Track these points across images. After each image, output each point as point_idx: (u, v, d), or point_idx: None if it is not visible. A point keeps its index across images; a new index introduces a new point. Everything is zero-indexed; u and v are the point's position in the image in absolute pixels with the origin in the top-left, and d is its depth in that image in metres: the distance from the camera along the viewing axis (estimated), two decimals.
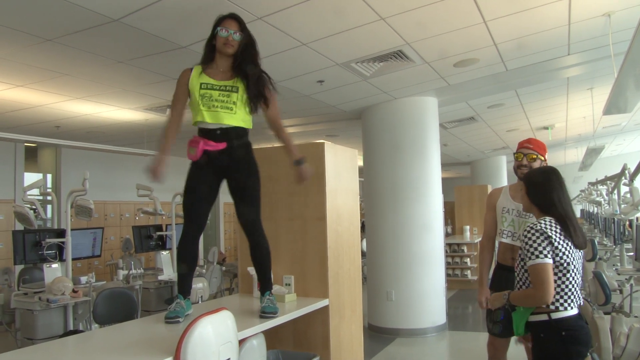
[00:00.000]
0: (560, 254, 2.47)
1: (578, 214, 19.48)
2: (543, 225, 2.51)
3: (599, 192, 10.59)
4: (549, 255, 2.45)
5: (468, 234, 11.04)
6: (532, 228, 2.52)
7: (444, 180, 7.64)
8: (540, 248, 2.46)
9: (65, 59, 4.84)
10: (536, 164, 3.25)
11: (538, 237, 2.48)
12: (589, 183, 12.64)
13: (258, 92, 2.87)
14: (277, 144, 3.24)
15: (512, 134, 10.95)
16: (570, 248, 2.50)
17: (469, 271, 10.61)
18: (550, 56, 5.52)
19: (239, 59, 2.85)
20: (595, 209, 12.20)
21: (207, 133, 2.77)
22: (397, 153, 6.96)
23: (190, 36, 4.24)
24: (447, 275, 9.49)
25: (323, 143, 3.43)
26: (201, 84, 2.76)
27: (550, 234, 2.47)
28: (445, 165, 13.02)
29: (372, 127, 7.28)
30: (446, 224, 12.26)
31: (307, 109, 7.26)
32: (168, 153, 2.75)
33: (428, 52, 5.07)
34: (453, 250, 10.70)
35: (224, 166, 2.79)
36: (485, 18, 4.28)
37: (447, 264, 10.04)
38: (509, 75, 6.11)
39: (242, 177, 2.85)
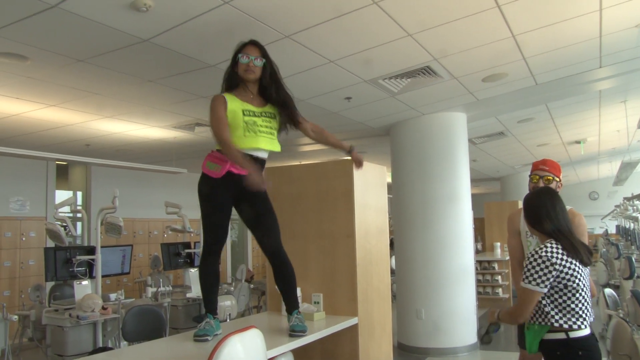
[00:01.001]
0: (568, 277, 2.50)
1: (613, 230, 19.06)
2: (545, 251, 2.53)
3: (635, 207, 10.34)
4: (543, 285, 2.50)
5: (499, 251, 10.87)
6: (536, 253, 2.55)
7: (473, 196, 7.56)
8: (536, 275, 2.51)
9: (96, 79, 4.96)
10: (552, 186, 3.28)
11: (539, 264, 2.51)
12: (625, 198, 12.36)
13: (288, 116, 2.93)
14: (304, 162, 3.27)
15: (543, 148, 10.81)
16: (578, 267, 2.52)
17: (500, 289, 10.42)
18: (581, 69, 5.45)
19: (265, 86, 2.90)
20: (632, 224, 11.91)
21: (255, 159, 2.79)
22: (425, 169, 6.93)
23: (219, 55, 4.31)
24: (478, 293, 9.35)
25: (352, 160, 3.45)
26: (243, 110, 2.79)
27: (554, 261, 2.50)
28: (474, 181, 12.91)
29: (401, 143, 7.27)
30: (476, 240, 12.11)
31: (335, 126, 7.29)
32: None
33: (456, 67, 5.06)
34: (483, 268, 10.54)
35: (242, 190, 2.76)
36: (513, 32, 4.26)
37: (478, 281, 9.90)
38: (539, 90, 6.05)
39: (262, 202, 2.87)
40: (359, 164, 3.25)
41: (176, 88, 5.27)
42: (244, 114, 2.79)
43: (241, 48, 2.89)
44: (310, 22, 3.82)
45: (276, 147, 2.89)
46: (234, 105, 2.80)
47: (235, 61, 2.89)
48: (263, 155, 2.85)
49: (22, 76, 4.82)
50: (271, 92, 2.92)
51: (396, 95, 5.88)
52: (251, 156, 2.77)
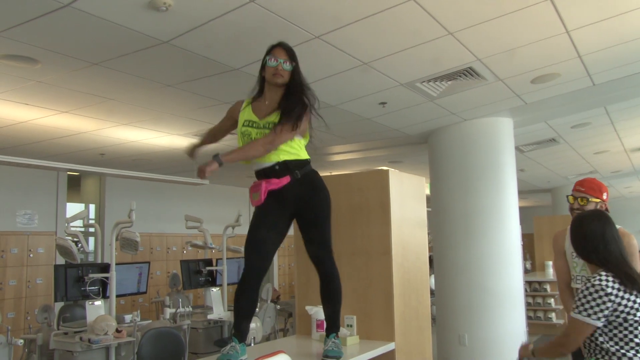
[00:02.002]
0: (627, 309, 2.44)
1: None
2: (599, 280, 2.48)
3: None
4: (596, 317, 2.44)
5: (550, 270, 10.68)
6: (589, 281, 2.51)
7: (521, 209, 7.47)
8: (588, 306, 2.46)
9: (112, 84, 5.06)
10: (590, 207, 3.32)
11: (592, 293, 2.46)
12: None
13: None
14: (335, 172, 3.30)
15: (601, 156, 10.61)
16: (638, 298, 2.47)
17: (553, 314, 10.22)
18: None
19: (292, 92, 2.94)
20: None
21: (265, 172, 2.84)
22: (468, 180, 6.88)
23: (243, 58, 4.36)
24: (528, 317, 9.20)
25: (387, 170, 3.44)
26: (244, 121, 2.88)
27: (609, 291, 2.44)
28: (522, 192, 12.73)
29: (440, 152, 7.23)
30: (525, 259, 11.93)
31: (369, 133, 7.29)
32: (202, 145, 3.03)
33: (502, 68, 5.03)
34: (534, 290, 10.36)
35: (294, 200, 2.83)
36: (567, 28, 4.21)
37: (528, 304, 9.74)
38: (597, 91, 5.95)
39: (315, 206, 2.89)
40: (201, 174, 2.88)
41: (197, 93, 5.36)
42: (243, 124, 2.89)
43: (269, 50, 2.94)
44: (342, 21, 3.85)
45: (274, 158, 2.84)
46: (243, 113, 2.91)
47: (263, 65, 2.95)
48: (268, 163, 2.84)
49: (32, 80, 4.93)
50: (293, 100, 2.95)
51: (435, 99, 5.87)
52: (273, 166, 2.82)
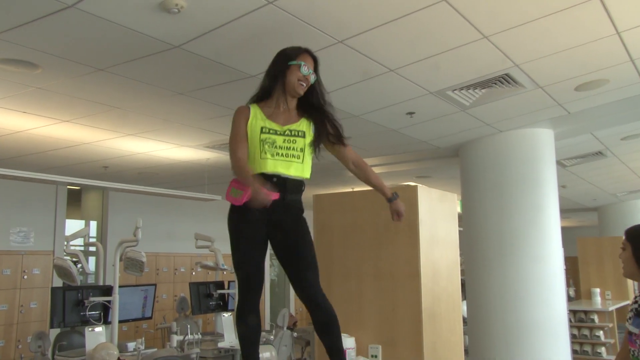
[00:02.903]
0: None
1: None
2: None
3: None
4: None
5: (598, 299, 10.51)
6: None
7: (563, 230, 7.41)
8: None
9: (118, 91, 5.13)
10: None
11: None
12: None
13: (335, 130, 2.98)
14: (357, 188, 3.33)
15: None
16: None
17: (602, 348, 10.04)
18: None
19: (306, 99, 2.99)
20: None
21: (261, 177, 2.85)
22: (504, 197, 6.85)
23: (260, 64, 4.33)
24: (574, 352, 9.08)
25: (416, 186, 3.46)
26: (262, 127, 2.89)
27: None
28: (565, 211, 12.61)
29: (473, 166, 7.22)
30: (568, 285, 11.79)
31: (395, 145, 7.30)
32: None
33: (542, 74, 5.02)
34: (579, 320, 10.20)
35: (273, 221, 2.86)
36: (618, 29, 4.16)
37: (572, 337, 9.60)
38: None
39: (299, 232, 2.93)
40: (399, 216, 3.16)
41: (210, 102, 5.43)
42: (261, 131, 2.89)
43: (298, 54, 3.00)
44: (367, 24, 3.87)
45: (301, 172, 2.93)
46: (256, 119, 2.92)
47: (287, 65, 2.98)
48: (283, 179, 2.90)
49: (31, 87, 4.98)
50: (309, 103, 3.00)
51: (468, 109, 5.87)
52: (270, 177, 2.85)
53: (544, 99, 5.70)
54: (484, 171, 7.06)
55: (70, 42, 4.06)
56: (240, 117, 2.95)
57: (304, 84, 2.96)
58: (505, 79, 5.07)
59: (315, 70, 3.02)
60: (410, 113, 5.94)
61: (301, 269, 2.91)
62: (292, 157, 2.90)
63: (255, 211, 2.78)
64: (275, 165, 2.87)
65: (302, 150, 2.95)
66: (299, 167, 2.92)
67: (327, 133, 3.01)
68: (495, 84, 5.18)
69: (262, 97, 3.05)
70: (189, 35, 3.93)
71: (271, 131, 2.91)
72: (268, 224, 2.89)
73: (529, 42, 4.33)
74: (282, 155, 2.88)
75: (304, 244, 2.94)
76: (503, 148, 6.96)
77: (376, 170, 8.91)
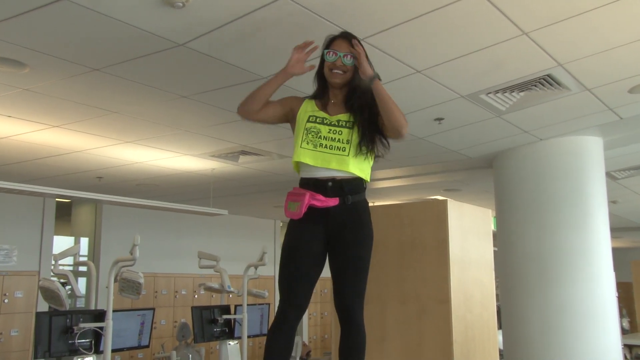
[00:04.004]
0: None
1: None
2: None
3: None
4: None
5: None
6: None
7: (614, 251, 7.34)
8: None
9: (115, 93, 5.16)
10: None
11: None
12: None
13: (371, 132, 3.01)
14: (379, 202, 3.37)
15: None
16: None
17: None
18: None
19: (355, 90, 3.02)
20: None
21: (314, 184, 2.90)
22: (544, 214, 6.81)
23: (273, 64, 4.36)
24: None
25: (445, 201, 3.47)
26: (309, 116, 2.97)
27: None
28: (615, 230, 12.50)
29: (509, 178, 7.19)
30: (621, 315, 11.67)
31: (421, 155, 7.28)
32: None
33: (589, 75, 4.99)
34: (636, 357, 10.09)
35: (334, 230, 2.91)
36: None
37: None
38: None
39: (356, 246, 2.95)
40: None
41: (217, 106, 5.45)
42: (308, 120, 2.97)
43: (330, 42, 3.06)
44: (392, 20, 3.87)
45: (350, 167, 2.94)
46: (305, 111, 3.01)
47: (321, 61, 3.05)
48: (328, 174, 2.93)
49: (18, 88, 5.00)
50: (355, 96, 3.04)
51: (504, 114, 5.87)
52: (325, 182, 2.90)
53: (592, 102, 5.68)
54: (521, 184, 7.03)
55: (61, 39, 4.08)
56: (286, 99, 3.13)
57: (338, 71, 3.00)
58: (547, 81, 5.06)
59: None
60: (439, 119, 5.94)
61: (347, 284, 2.96)
62: (336, 150, 2.94)
63: (314, 226, 2.88)
64: (320, 159, 2.92)
65: (348, 142, 2.98)
66: (342, 160, 2.94)
67: (364, 134, 3.03)
68: (535, 86, 5.17)
69: (317, 94, 3.15)
70: (195, 32, 3.96)
71: (318, 120, 2.99)
72: (325, 235, 2.95)
73: (575, 38, 4.30)
74: (324, 146, 2.94)
75: (357, 260, 2.98)
76: (543, 158, 6.94)
77: (400, 182, 8.95)
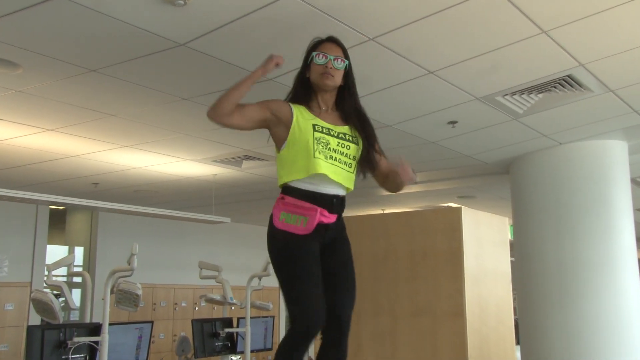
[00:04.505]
0: None
1: None
2: None
3: None
4: None
5: None
6: None
7: None
8: None
9: (113, 96, 5.19)
10: None
11: None
12: None
13: (370, 154, 3.07)
14: (389, 209, 3.39)
15: None
16: None
17: None
18: None
19: (345, 99, 3.04)
20: None
21: (320, 199, 2.91)
22: (564, 222, 6.79)
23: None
24: None
25: (459, 208, 3.48)
26: (314, 125, 2.94)
27: None
28: None
29: (527, 184, 7.19)
30: None
31: (433, 160, 7.29)
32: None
33: (613, 75, 4.98)
34: None
35: (326, 245, 2.96)
36: None
37: None
38: None
39: (350, 259, 3.03)
40: (407, 177, 3.19)
41: None
42: (314, 129, 2.95)
43: (316, 45, 3.06)
44: (403, 18, 3.88)
45: (350, 183, 3.02)
46: (302, 117, 2.97)
47: (307, 63, 3.03)
48: (334, 191, 2.96)
49: (10, 90, 5.02)
50: (350, 107, 3.05)
51: (521, 117, 5.87)
52: (330, 198, 2.91)
53: (616, 104, 5.67)
54: (540, 191, 7.02)
55: (57, 38, 4.10)
56: (267, 101, 3.07)
57: (329, 74, 3.01)
58: (568, 82, 5.05)
59: (346, 57, 3.09)
60: (453, 122, 5.95)
61: (341, 297, 2.98)
62: (345, 165, 2.98)
63: (313, 240, 2.90)
64: (334, 173, 2.93)
65: (354, 158, 3.04)
66: (348, 178, 3.00)
67: (364, 151, 3.06)
68: (555, 87, 5.17)
69: (295, 98, 3.12)
70: (196, 32, 3.97)
71: (324, 130, 2.98)
72: (322, 250, 2.98)
73: (598, 37, 4.30)
74: (335, 160, 2.95)
75: (348, 272, 3.04)
76: (564, 163, 6.93)
77: (412, 188, 8.90)
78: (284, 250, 2.95)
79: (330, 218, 2.91)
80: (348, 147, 2.99)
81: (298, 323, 2.86)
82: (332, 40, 3.13)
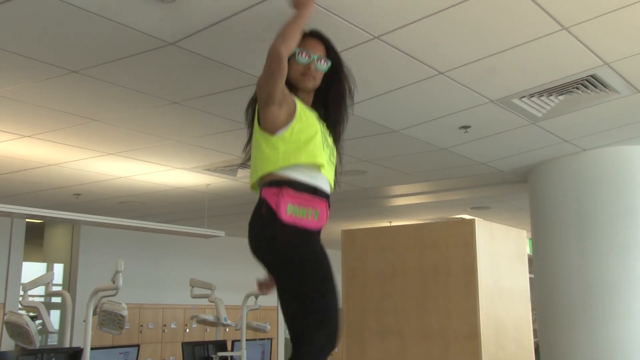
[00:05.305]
0: None
1: None
2: None
3: None
4: None
5: None
6: None
7: None
8: None
9: (96, 99, 5.20)
10: None
11: None
12: None
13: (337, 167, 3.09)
14: (397, 222, 3.40)
15: None
16: None
17: None
18: None
19: (330, 100, 3.07)
20: None
21: (321, 195, 2.92)
22: (588, 235, 6.78)
23: None
24: None
25: (473, 220, 3.49)
26: (318, 119, 2.99)
27: None
28: None
29: (547, 194, 7.18)
30: None
31: (445, 168, 7.29)
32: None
33: None
34: None
35: None
36: None
37: None
38: None
39: None
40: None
41: (213, 113, 5.49)
42: (319, 121, 3.00)
43: (300, 40, 3.01)
44: (411, 14, 3.87)
45: (332, 189, 3.02)
46: (305, 112, 2.97)
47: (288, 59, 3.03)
48: (327, 187, 2.97)
49: None
50: (333, 109, 3.07)
51: (540, 121, 5.88)
52: (327, 195, 2.92)
53: None
54: (561, 201, 7.01)
55: (34, 37, 4.10)
56: (284, 88, 2.95)
57: (311, 76, 3.00)
58: (591, 82, 5.05)
59: (332, 57, 3.07)
60: (465, 127, 5.96)
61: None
62: (332, 165, 3.03)
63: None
64: (327, 172, 2.95)
65: (335, 161, 3.08)
66: (332, 179, 3.02)
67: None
68: (577, 88, 5.17)
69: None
70: (187, 30, 3.97)
71: (321, 124, 3.01)
72: None
73: (624, 33, 4.29)
74: (330, 160, 2.99)
75: None
76: (587, 171, 6.93)
77: (420, 199, 8.94)
78: (303, 247, 2.86)
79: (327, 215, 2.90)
80: (334, 149, 3.04)
81: (327, 330, 2.81)
82: (316, 35, 3.10)
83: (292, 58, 2.96)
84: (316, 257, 2.86)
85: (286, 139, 2.87)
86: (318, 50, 3.02)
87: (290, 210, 2.79)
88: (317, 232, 2.89)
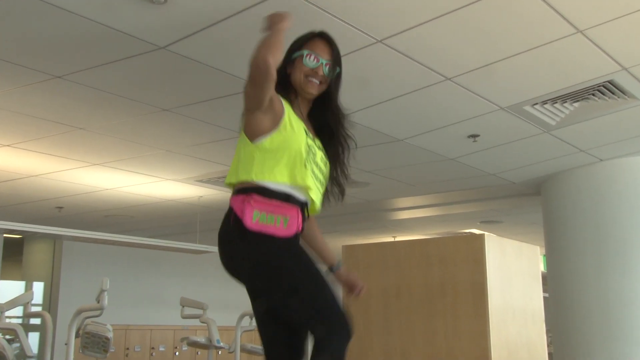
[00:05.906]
0: None
1: None
2: None
3: None
4: None
5: None
6: None
7: None
8: None
9: (81, 106, 5.22)
10: None
11: None
12: None
13: (340, 179, 3.07)
14: (401, 237, 3.40)
15: None
16: None
17: None
18: None
19: (329, 110, 3.03)
20: None
21: (295, 202, 2.86)
22: (606, 251, 6.77)
23: None
24: None
25: (482, 235, 3.50)
26: (305, 130, 2.91)
27: None
28: None
29: (562, 207, 7.19)
30: None
31: (452, 179, 7.30)
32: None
33: None
34: None
35: None
36: None
37: None
38: None
39: None
40: (353, 288, 3.13)
41: (205, 121, 5.50)
42: (307, 135, 2.91)
43: (306, 41, 3.02)
44: (416, 17, 3.90)
45: (319, 203, 2.97)
46: (293, 115, 2.91)
47: (291, 59, 3.01)
48: (296, 193, 2.89)
49: None
50: (331, 121, 3.06)
51: (554, 129, 5.90)
52: (304, 204, 2.88)
53: None
54: (577, 215, 7.01)
55: (15, 40, 4.12)
56: (275, 94, 2.89)
57: (316, 80, 2.95)
58: (608, 88, 5.07)
59: (336, 62, 3.03)
60: (474, 136, 5.98)
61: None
62: (319, 184, 2.95)
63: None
64: (312, 185, 2.88)
65: (326, 179, 3.02)
66: (318, 198, 2.95)
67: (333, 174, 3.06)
68: (593, 95, 5.19)
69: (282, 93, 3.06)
70: (179, 33, 3.99)
71: (310, 137, 2.93)
72: None
73: None
74: (317, 176, 2.92)
75: None
76: (605, 183, 6.94)
77: (427, 213, 8.95)
78: (274, 252, 2.82)
79: (300, 227, 2.85)
80: (326, 165, 2.98)
81: (340, 328, 2.76)
82: (326, 38, 3.06)
83: (298, 60, 2.97)
84: (298, 258, 2.85)
85: (264, 148, 2.82)
86: (327, 55, 2.98)
87: (257, 218, 2.76)
88: (288, 240, 2.81)
